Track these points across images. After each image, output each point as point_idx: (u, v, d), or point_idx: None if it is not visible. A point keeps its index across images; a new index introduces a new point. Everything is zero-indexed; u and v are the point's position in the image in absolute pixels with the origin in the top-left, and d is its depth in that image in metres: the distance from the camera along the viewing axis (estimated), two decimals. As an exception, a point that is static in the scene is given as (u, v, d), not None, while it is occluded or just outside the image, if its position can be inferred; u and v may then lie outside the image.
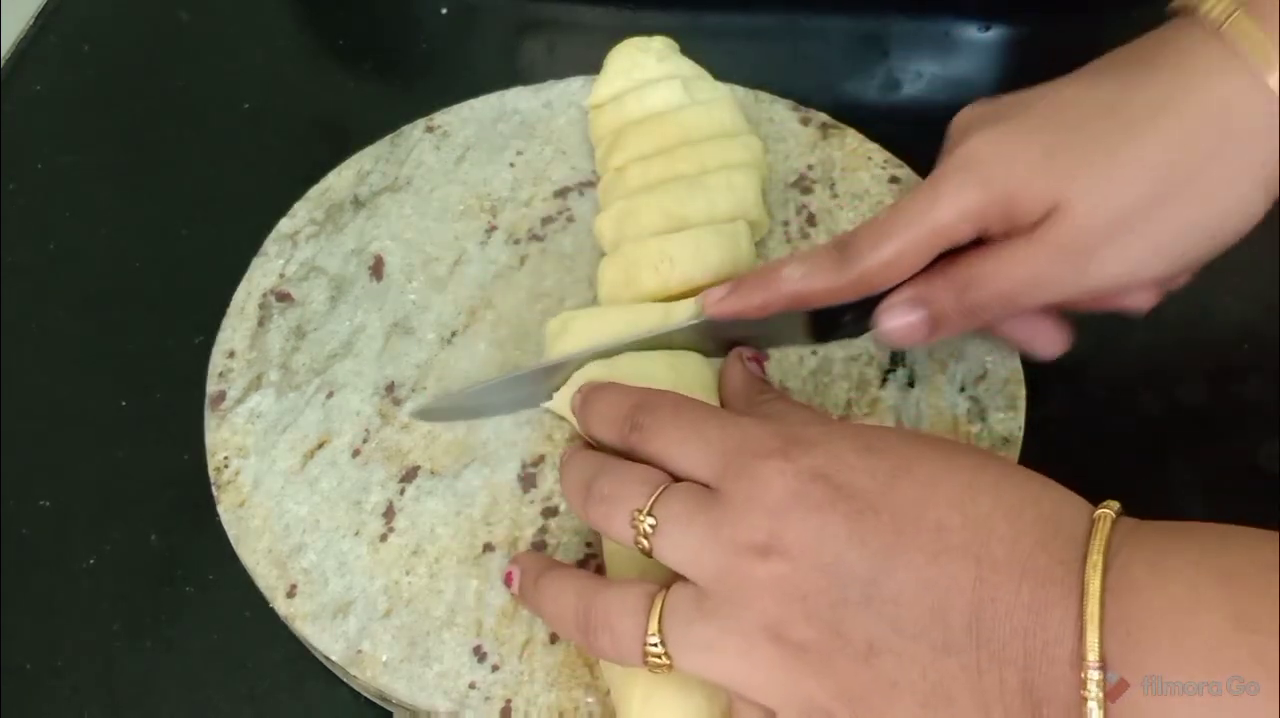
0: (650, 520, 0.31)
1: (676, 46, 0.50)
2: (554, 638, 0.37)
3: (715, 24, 0.59)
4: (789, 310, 0.39)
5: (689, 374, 0.40)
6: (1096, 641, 0.26)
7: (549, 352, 0.42)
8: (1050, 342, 0.39)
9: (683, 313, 0.41)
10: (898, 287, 0.37)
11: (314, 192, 0.49)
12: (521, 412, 0.42)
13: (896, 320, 0.37)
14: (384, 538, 0.39)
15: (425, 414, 0.41)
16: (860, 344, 0.43)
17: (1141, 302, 0.38)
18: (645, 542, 0.31)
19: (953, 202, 0.34)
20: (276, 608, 0.38)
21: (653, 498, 0.31)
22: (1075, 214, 0.33)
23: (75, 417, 0.45)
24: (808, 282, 0.37)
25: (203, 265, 0.49)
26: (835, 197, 0.48)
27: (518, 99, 0.52)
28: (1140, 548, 0.27)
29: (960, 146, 0.35)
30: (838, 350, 0.43)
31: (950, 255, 0.36)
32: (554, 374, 0.41)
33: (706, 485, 0.31)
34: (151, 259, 0.50)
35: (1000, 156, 0.34)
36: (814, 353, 0.43)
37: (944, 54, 0.57)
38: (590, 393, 0.38)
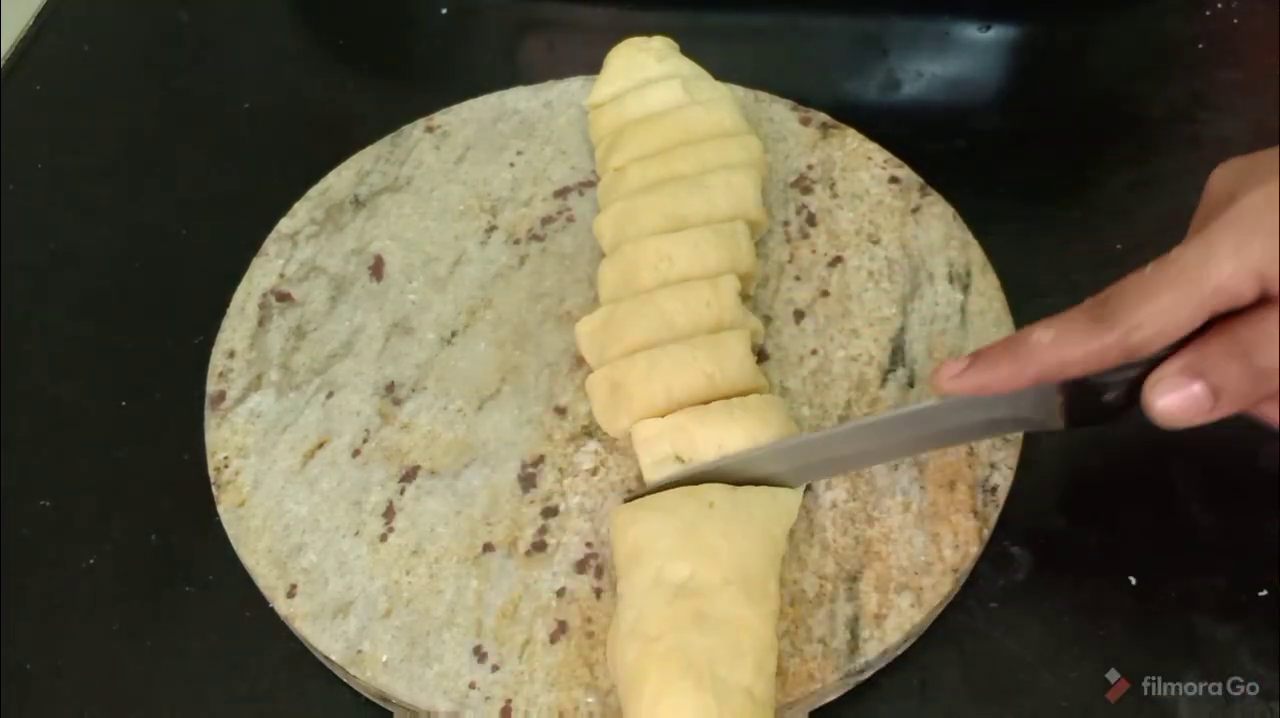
0: None
1: (676, 46, 0.50)
2: (554, 638, 0.37)
3: (715, 24, 0.59)
4: (1039, 383, 0.34)
5: (730, 362, 0.40)
6: None
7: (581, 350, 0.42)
8: None
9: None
10: (1164, 358, 0.33)
11: (314, 192, 0.49)
12: (521, 411, 0.42)
13: (1172, 395, 0.32)
14: (384, 538, 0.39)
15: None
16: (860, 344, 0.43)
17: None
18: None
19: (1234, 255, 0.31)
20: (276, 608, 0.38)
21: None
22: None
23: (75, 417, 0.45)
24: (1061, 347, 0.33)
25: (203, 265, 0.49)
26: (835, 196, 0.48)
27: (518, 99, 0.52)
28: None
29: (1235, 203, 0.32)
30: (837, 350, 0.43)
31: (1222, 320, 0.32)
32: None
33: None
34: (151, 259, 0.50)
35: None
36: (814, 353, 0.43)
37: (944, 54, 0.57)
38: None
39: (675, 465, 0.38)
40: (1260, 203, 0.32)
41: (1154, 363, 0.33)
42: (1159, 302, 0.32)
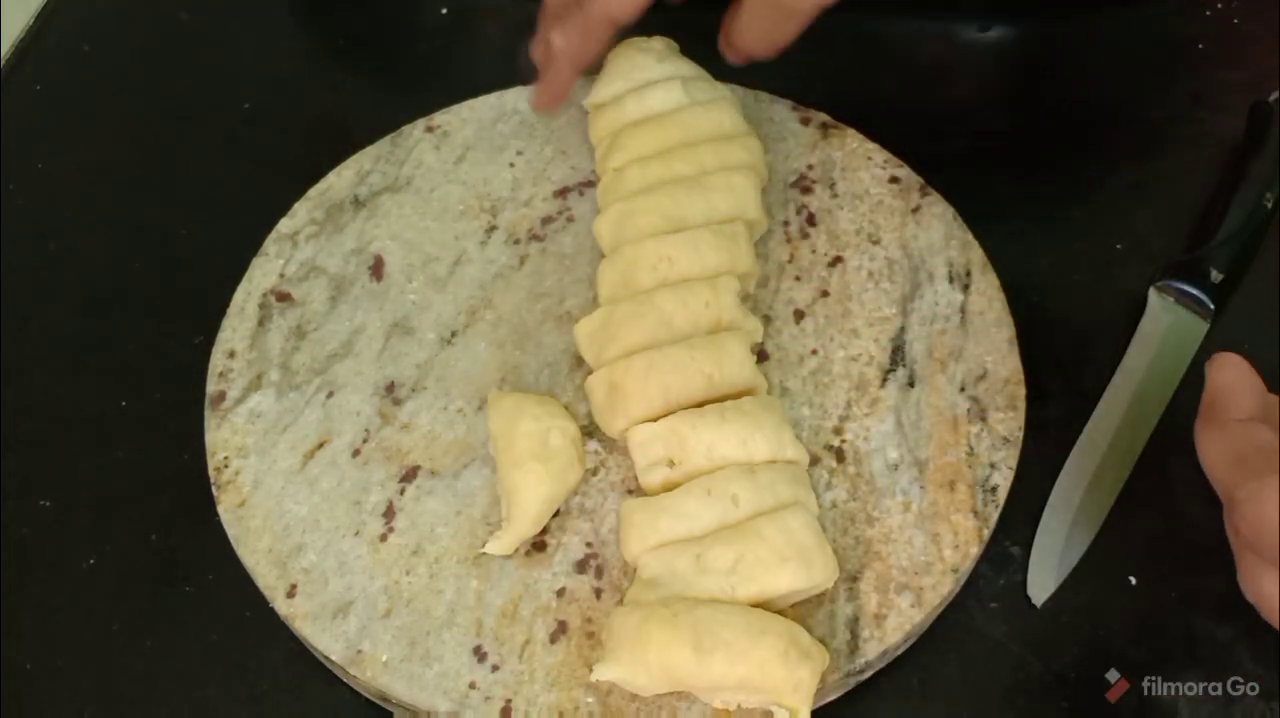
0: None
1: (676, 47, 0.50)
2: (554, 638, 0.37)
3: (715, 24, 0.59)
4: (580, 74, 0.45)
5: (729, 363, 0.40)
6: None
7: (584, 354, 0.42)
8: None
9: None
10: None
11: (314, 191, 0.49)
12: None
13: None
14: (384, 538, 0.39)
15: None
16: (860, 344, 0.43)
17: None
18: None
19: None
20: (276, 608, 0.38)
21: None
22: None
23: (75, 417, 0.45)
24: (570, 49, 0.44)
25: (203, 265, 0.49)
26: (835, 196, 0.48)
27: (518, 99, 0.52)
28: None
29: None
30: (838, 350, 0.43)
31: None
32: None
33: None
34: (151, 259, 0.50)
35: None
36: (814, 353, 0.43)
37: (944, 54, 0.57)
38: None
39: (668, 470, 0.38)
40: None
41: None
42: None
